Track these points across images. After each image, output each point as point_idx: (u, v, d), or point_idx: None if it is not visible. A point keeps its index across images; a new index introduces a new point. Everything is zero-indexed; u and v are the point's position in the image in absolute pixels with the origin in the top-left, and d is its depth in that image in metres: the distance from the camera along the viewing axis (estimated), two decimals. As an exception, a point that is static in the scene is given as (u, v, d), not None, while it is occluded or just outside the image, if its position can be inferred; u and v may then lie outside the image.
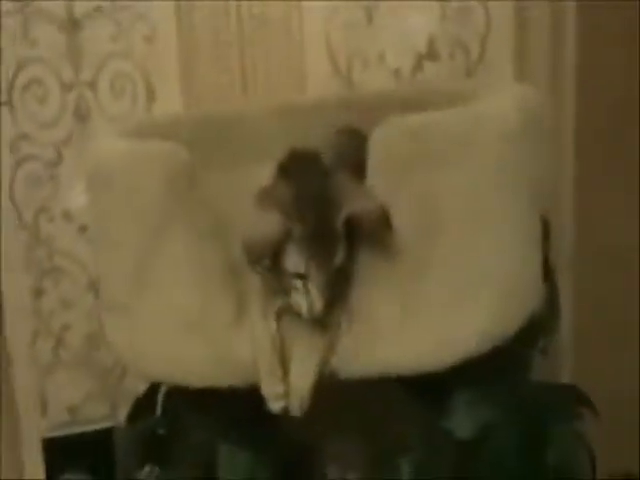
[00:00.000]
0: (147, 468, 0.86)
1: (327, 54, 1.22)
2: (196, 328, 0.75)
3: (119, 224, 0.81)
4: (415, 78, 1.22)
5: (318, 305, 0.71)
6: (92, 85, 1.25)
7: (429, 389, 0.82)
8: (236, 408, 0.80)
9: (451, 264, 0.74)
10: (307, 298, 0.71)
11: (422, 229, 0.73)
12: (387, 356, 0.74)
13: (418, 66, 1.21)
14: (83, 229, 1.27)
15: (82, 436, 1.24)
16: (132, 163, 0.80)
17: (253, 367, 0.74)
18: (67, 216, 1.28)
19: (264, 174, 0.78)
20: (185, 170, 0.77)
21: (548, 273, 0.99)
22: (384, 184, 0.73)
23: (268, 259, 0.73)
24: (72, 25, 1.23)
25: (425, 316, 0.74)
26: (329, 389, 0.77)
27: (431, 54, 1.21)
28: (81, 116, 1.26)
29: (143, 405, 0.93)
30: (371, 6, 1.20)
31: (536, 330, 0.98)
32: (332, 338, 0.75)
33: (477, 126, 0.74)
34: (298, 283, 0.71)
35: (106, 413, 1.30)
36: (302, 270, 0.71)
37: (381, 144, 0.73)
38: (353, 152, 0.81)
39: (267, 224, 0.71)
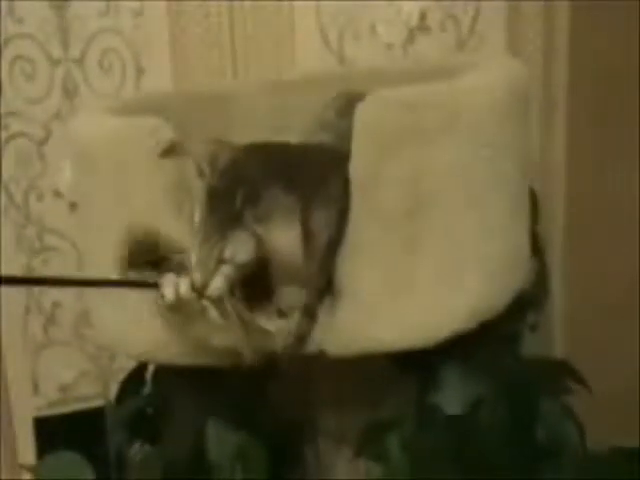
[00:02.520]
0: (136, 445, 0.87)
1: (318, 28, 1.21)
2: (177, 308, 0.74)
3: (104, 203, 0.80)
4: (407, 51, 1.20)
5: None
6: (80, 61, 1.24)
7: (419, 365, 0.82)
8: (225, 386, 0.80)
9: (440, 239, 0.74)
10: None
11: (411, 203, 0.72)
12: (377, 333, 0.73)
13: (410, 39, 1.20)
14: (73, 206, 1.27)
15: (74, 415, 1.24)
16: (116, 140, 0.79)
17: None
18: (57, 193, 1.28)
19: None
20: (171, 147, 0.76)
21: (537, 248, 0.99)
22: (371, 156, 0.72)
23: None
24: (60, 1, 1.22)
25: (414, 292, 0.74)
26: (319, 365, 0.77)
27: (422, 27, 1.20)
28: (69, 92, 1.25)
29: (131, 384, 0.93)
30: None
31: (525, 305, 0.99)
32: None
33: (465, 99, 0.74)
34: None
35: (98, 391, 1.30)
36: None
37: (368, 116, 0.72)
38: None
39: None
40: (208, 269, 0.68)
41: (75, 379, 1.32)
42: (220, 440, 0.81)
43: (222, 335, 0.71)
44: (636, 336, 1.26)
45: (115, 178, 0.78)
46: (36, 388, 1.32)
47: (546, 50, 1.20)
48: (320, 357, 0.75)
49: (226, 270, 0.68)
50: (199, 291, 0.67)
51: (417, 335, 0.74)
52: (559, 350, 1.28)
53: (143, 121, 0.79)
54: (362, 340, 0.74)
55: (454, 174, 0.73)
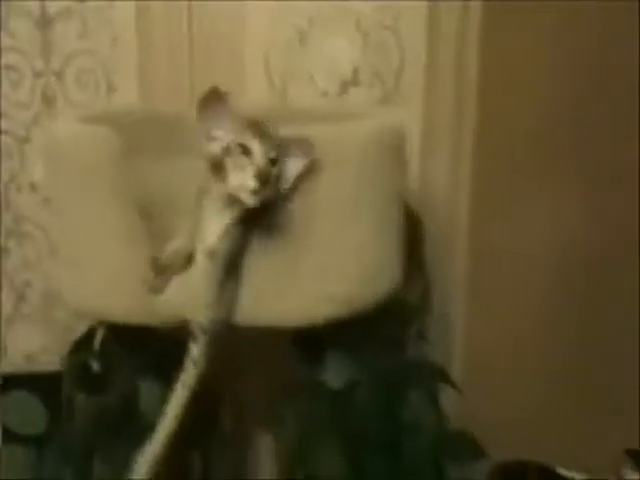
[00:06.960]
0: (82, 395, 1.03)
1: (264, 71, 1.38)
2: (126, 276, 0.93)
3: (68, 195, 0.96)
4: (341, 99, 1.37)
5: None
6: (59, 75, 1.40)
7: (310, 346, 1.01)
8: (158, 348, 0.98)
9: (326, 243, 0.93)
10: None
11: (302, 215, 0.92)
12: (271, 309, 0.92)
13: (343, 90, 1.38)
14: (47, 201, 1.39)
15: (37, 373, 1.33)
16: (76, 144, 0.95)
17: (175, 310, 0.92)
18: (33, 187, 1.43)
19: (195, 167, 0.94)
20: (115, 152, 0.92)
21: (421, 265, 1.19)
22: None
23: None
24: (45, 22, 1.38)
25: (301, 280, 0.93)
26: (231, 337, 0.94)
27: (354, 81, 1.37)
28: (48, 100, 1.41)
29: (81, 344, 1.09)
30: (304, 32, 1.37)
31: (408, 313, 1.19)
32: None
33: (347, 139, 0.94)
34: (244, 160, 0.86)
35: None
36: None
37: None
38: None
39: None
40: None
41: (39, 351, 1.46)
42: (149, 395, 0.99)
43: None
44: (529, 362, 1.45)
45: (74, 174, 0.95)
46: (4, 354, 1.45)
47: (457, 103, 1.37)
48: (231, 327, 0.92)
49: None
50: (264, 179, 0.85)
51: (303, 316, 0.93)
52: (457, 365, 1.43)
53: (95, 130, 0.95)
54: (261, 314, 0.92)
55: (336, 194, 0.93)
